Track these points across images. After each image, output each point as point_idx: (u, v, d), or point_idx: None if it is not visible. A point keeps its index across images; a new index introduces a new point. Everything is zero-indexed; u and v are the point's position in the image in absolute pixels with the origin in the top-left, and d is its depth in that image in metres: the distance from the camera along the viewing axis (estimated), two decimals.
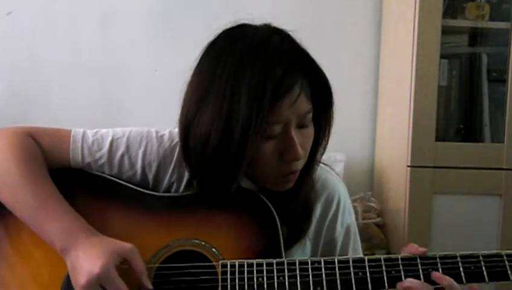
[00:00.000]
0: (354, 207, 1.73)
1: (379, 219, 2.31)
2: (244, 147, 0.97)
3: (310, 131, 1.06)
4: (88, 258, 0.97)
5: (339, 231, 1.20)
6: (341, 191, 1.21)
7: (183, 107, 1.05)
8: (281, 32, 1.06)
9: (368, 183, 2.53)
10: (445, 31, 2.12)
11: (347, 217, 1.21)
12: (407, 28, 2.14)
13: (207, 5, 2.44)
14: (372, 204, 2.33)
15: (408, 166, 2.13)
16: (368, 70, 2.51)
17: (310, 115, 1.05)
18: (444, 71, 2.18)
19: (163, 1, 2.46)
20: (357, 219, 1.85)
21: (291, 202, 1.11)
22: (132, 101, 2.47)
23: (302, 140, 1.04)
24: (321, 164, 1.17)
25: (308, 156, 1.09)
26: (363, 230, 2.18)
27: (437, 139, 2.14)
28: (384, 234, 2.29)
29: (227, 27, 1.08)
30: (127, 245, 1.01)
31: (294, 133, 1.02)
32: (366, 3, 2.50)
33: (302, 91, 1.01)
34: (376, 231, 2.28)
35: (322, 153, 1.13)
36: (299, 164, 1.06)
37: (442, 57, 2.12)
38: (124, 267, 1.00)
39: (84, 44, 2.45)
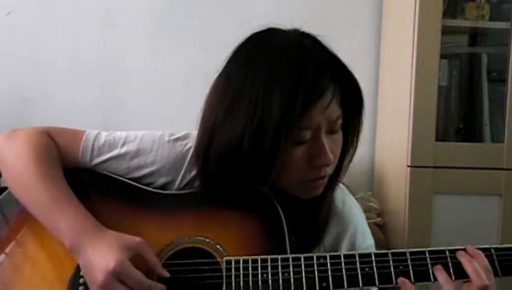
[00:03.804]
0: None
1: (379, 219, 2.31)
2: (275, 152, 0.97)
3: (339, 137, 1.06)
4: (101, 255, 0.97)
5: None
6: (358, 214, 1.19)
7: (209, 112, 1.04)
8: (311, 37, 1.05)
9: (368, 183, 2.52)
10: (445, 31, 2.13)
11: (367, 239, 1.18)
12: (407, 28, 2.15)
13: (207, 5, 2.44)
14: (372, 204, 2.33)
15: (408, 166, 2.13)
16: (368, 70, 2.52)
17: (340, 121, 1.04)
18: (444, 71, 2.19)
19: (163, 1, 2.46)
20: None
21: (314, 209, 1.10)
22: (132, 101, 2.46)
23: (332, 146, 1.03)
24: (341, 185, 1.16)
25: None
26: None
27: (437, 139, 2.15)
28: (384, 234, 2.28)
29: (255, 31, 1.06)
30: (136, 239, 1.01)
31: (324, 139, 1.01)
32: (366, 3, 2.51)
33: (333, 97, 1.00)
34: (376, 231, 2.27)
35: (350, 161, 1.11)
36: (329, 169, 1.05)
37: (442, 57, 2.13)
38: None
39: (84, 44, 2.45)
